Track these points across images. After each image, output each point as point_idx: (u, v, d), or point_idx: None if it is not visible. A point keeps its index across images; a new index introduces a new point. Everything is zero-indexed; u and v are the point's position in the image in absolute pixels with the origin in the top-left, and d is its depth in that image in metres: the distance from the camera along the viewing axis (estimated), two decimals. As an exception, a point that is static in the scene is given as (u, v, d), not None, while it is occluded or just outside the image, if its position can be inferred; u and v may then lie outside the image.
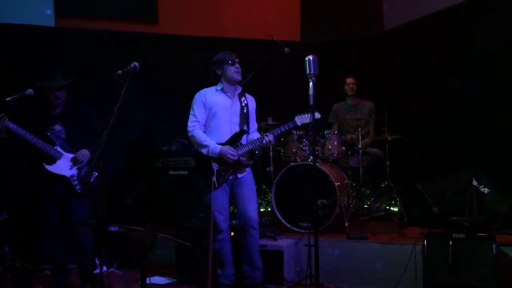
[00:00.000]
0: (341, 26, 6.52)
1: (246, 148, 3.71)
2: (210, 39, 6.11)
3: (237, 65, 3.72)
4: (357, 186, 5.01)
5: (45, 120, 3.86)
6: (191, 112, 3.78)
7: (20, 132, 3.62)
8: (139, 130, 5.84)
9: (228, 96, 3.77)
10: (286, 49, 4.26)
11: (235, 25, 6.30)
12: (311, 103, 3.11)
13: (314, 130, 3.38)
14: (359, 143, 4.92)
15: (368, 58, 6.17)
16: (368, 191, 5.30)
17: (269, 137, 3.68)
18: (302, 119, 3.76)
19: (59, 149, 3.79)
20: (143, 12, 6.00)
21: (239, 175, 3.72)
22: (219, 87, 3.78)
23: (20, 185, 4.46)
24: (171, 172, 5.06)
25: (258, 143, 3.70)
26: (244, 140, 3.77)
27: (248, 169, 3.80)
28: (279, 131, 3.73)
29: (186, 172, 5.00)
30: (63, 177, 3.78)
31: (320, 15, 6.66)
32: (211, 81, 3.82)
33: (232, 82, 3.75)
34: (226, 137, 3.72)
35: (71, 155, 3.82)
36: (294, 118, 3.77)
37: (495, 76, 4.82)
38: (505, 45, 4.71)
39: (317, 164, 4.49)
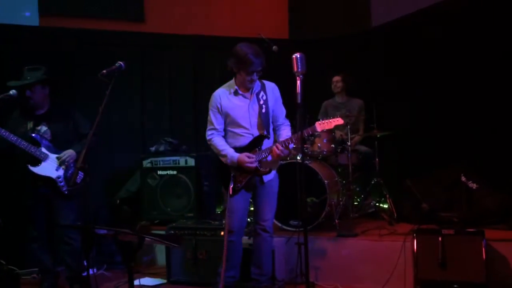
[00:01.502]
0: (330, 23, 6.50)
1: (264, 155, 3.46)
2: (197, 37, 6.08)
3: (255, 76, 3.43)
4: (347, 184, 5.00)
5: (29, 121, 3.80)
6: (208, 118, 3.59)
7: (3, 133, 3.57)
8: (127, 130, 5.79)
9: (245, 97, 3.54)
10: (274, 47, 4.22)
11: (223, 23, 6.26)
12: (299, 101, 3.07)
13: (302, 128, 3.29)
14: (348, 141, 4.91)
15: (356, 55, 6.16)
16: (358, 189, 5.31)
17: (277, 150, 3.38)
18: (323, 125, 3.45)
19: (44, 150, 3.73)
20: (130, 11, 5.94)
21: (265, 179, 3.55)
22: (233, 89, 3.53)
23: (6, 187, 4.39)
24: (159, 172, 5.03)
25: (269, 152, 3.44)
26: (264, 145, 3.53)
27: (274, 172, 3.61)
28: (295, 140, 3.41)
29: (175, 172, 4.97)
30: (48, 178, 3.73)
31: (308, 13, 6.64)
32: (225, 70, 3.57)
33: (242, 87, 3.52)
34: (247, 141, 3.52)
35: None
36: (314, 123, 3.44)
37: (483, 72, 4.84)
38: (495, 40, 4.73)
39: (306, 162, 4.48)
